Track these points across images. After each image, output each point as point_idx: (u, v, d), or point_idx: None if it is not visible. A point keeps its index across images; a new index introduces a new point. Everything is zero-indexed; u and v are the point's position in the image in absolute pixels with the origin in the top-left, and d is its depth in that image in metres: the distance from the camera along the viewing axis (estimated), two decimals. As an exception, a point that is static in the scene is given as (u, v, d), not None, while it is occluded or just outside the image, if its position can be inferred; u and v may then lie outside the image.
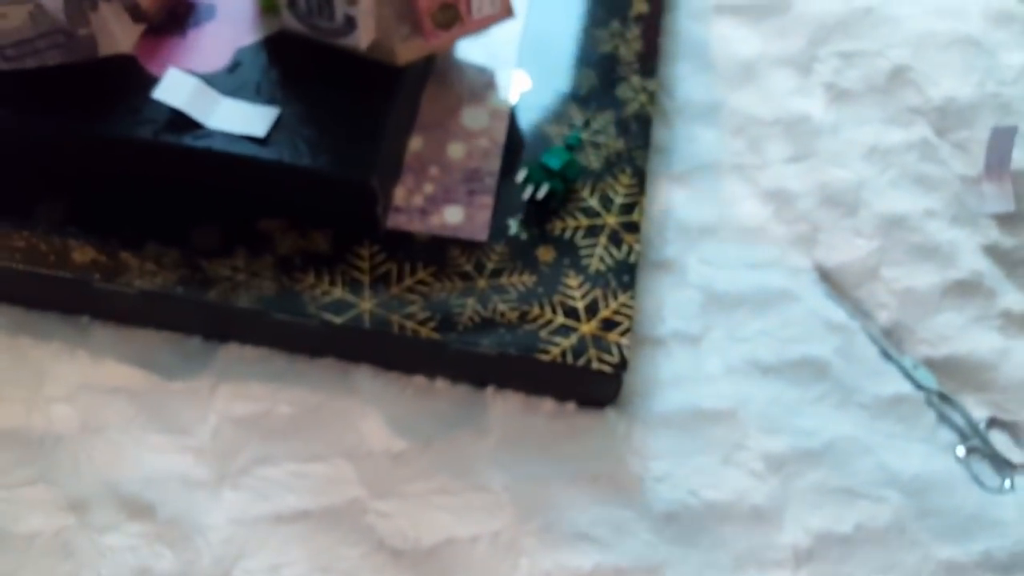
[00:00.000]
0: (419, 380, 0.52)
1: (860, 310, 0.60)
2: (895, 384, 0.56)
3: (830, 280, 0.60)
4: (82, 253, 0.49)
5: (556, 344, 0.48)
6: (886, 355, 0.58)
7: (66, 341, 0.51)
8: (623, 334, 0.48)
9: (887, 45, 0.66)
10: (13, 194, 0.51)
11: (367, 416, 0.49)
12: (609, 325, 0.49)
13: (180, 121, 0.47)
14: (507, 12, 0.49)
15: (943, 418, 0.55)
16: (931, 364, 0.57)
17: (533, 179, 0.52)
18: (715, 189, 0.62)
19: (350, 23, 0.45)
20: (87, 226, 0.50)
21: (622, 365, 0.47)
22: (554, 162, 0.52)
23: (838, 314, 0.58)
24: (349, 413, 0.50)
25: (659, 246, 0.58)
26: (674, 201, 0.61)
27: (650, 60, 0.60)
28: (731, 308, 0.57)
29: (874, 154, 0.64)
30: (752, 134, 0.64)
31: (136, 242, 0.50)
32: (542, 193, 0.51)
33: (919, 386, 0.57)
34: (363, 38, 0.46)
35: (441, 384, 0.52)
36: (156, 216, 0.51)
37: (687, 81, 0.66)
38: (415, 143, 0.55)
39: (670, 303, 0.56)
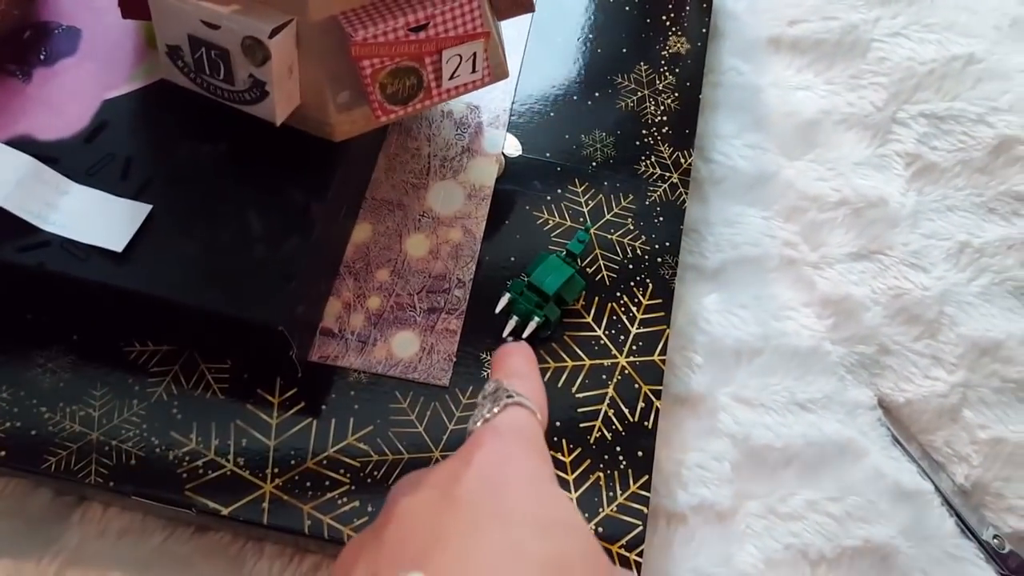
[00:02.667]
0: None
1: (932, 463, 0.46)
2: (977, 572, 0.43)
3: (897, 421, 0.47)
4: None
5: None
6: (964, 528, 0.44)
7: None
8: (632, 548, 0.34)
9: (992, 108, 0.51)
10: None
11: (267, 634, 0.36)
12: (612, 531, 0.34)
13: (5, 221, 0.31)
14: (496, 76, 0.34)
15: (1039, 622, 0.42)
16: (1021, 541, 0.44)
17: (519, 308, 0.37)
18: (758, 293, 0.47)
19: (258, 89, 0.30)
20: None
21: (628, 604, 0.33)
22: (549, 282, 0.37)
23: (907, 472, 0.45)
24: (243, 628, 0.36)
25: (682, 373, 0.44)
26: (704, 307, 0.46)
27: (686, 122, 0.45)
28: (773, 469, 0.43)
29: (964, 254, 0.49)
30: (809, 219, 0.49)
31: (-49, 372, 0.35)
32: (529, 330, 0.37)
33: (1006, 571, 0.43)
34: (278, 109, 0.31)
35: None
36: (-16, 332, 0.36)
37: (729, 142, 0.50)
38: (361, 231, 0.40)
39: (694, 458, 0.42)
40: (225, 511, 0.33)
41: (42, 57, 0.36)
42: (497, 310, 0.37)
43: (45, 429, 0.34)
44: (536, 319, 0.36)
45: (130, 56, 0.36)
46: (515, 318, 0.37)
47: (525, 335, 0.37)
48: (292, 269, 0.32)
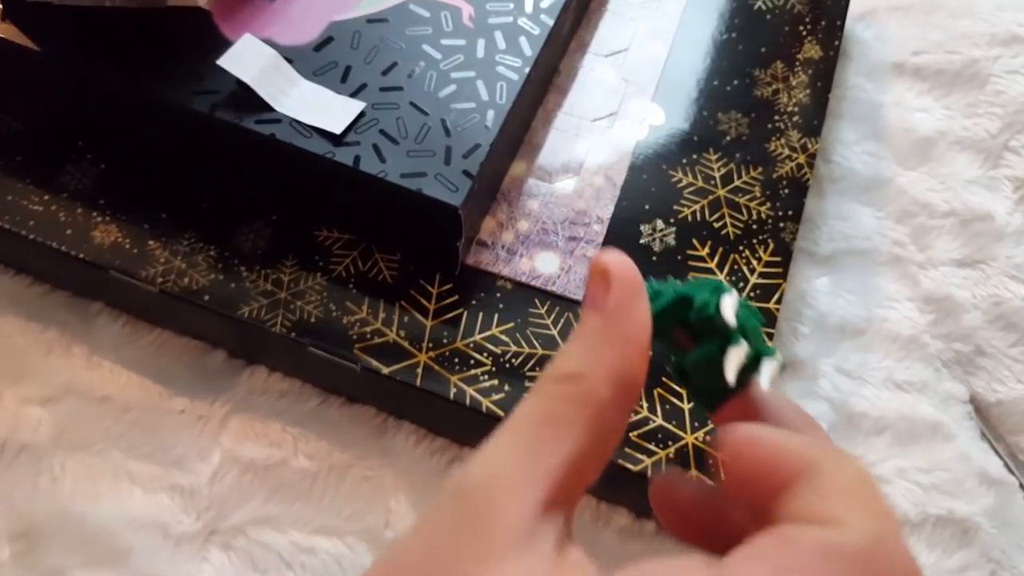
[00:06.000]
0: (469, 453, 0.42)
1: (1019, 463, 0.48)
2: (1062, 573, 0.44)
3: (987, 419, 0.49)
4: (105, 232, 0.41)
5: (648, 453, 0.37)
6: (1051, 529, 0.45)
7: (64, 330, 0.43)
8: (739, 458, 0.37)
9: (1104, 145, 0.54)
10: (39, 149, 0.43)
11: (399, 492, 0.40)
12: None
13: (246, 98, 0.38)
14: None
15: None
16: (1109, 553, 0.45)
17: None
18: (865, 282, 0.51)
19: None
20: (117, 202, 0.42)
21: (734, 501, 0.36)
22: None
23: (995, 463, 0.46)
24: (379, 483, 0.40)
25: (789, 340, 0.48)
26: (814, 288, 0.50)
27: (815, 115, 0.49)
28: (868, 435, 0.46)
29: (1067, 274, 0.51)
30: (919, 224, 0.53)
31: (170, 231, 0.41)
32: (768, 375, 0.22)
33: (1090, 579, 0.44)
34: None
35: (495, 466, 0.42)
36: (200, 204, 0.42)
37: (849, 148, 0.55)
38: (518, 167, 0.46)
39: (791, 416, 0.45)
40: (385, 370, 0.38)
41: (286, -16, 0.43)
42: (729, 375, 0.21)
43: (242, 284, 0.40)
44: (768, 356, 0.22)
45: (356, -9, 0.43)
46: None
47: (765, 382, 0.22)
48: (471, 169, 0.38)
